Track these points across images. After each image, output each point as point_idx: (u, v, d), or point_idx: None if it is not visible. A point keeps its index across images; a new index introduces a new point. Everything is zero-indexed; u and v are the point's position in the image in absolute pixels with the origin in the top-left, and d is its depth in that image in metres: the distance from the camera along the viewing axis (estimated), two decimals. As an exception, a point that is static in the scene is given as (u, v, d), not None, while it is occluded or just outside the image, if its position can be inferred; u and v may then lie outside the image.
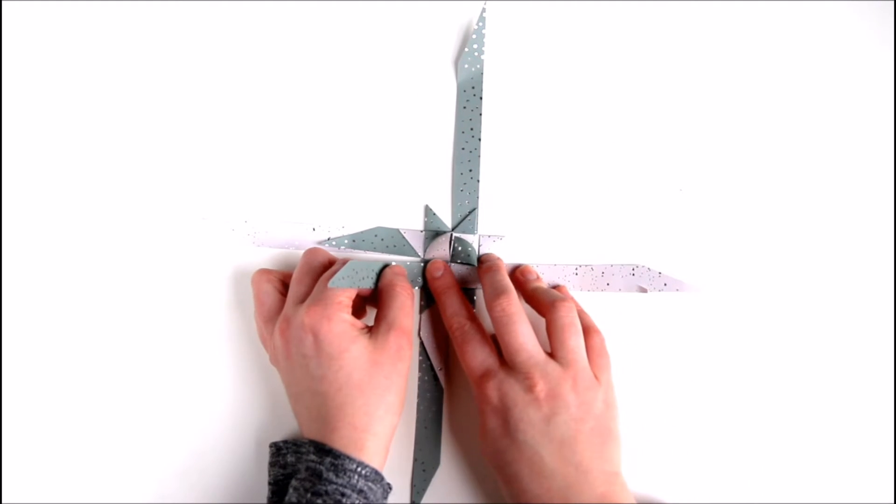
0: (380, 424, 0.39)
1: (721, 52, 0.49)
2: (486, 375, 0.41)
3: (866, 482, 0.46)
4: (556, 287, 0.47)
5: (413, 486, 0.45)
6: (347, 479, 0.37)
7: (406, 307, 0.42)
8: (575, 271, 0.47)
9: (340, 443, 0.38)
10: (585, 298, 0.47)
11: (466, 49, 0.47)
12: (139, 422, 0.45)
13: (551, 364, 0.40)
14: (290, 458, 0.40)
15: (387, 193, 0.47)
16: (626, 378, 0.45)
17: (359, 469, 0.38)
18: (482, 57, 0.48)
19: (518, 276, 0.46)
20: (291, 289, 0.42)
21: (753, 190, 0.48)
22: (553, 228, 0.47)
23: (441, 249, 0.46)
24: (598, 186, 0.48)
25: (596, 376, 0.41)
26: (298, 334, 0.40)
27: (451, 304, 0.44)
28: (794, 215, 0.48)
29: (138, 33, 0.47)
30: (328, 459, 0.38)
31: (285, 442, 0.41)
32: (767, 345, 0.47)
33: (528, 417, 0.39)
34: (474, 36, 0.47)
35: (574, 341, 0.41)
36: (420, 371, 0.46)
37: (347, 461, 0.38)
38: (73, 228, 0.46)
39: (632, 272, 0.47)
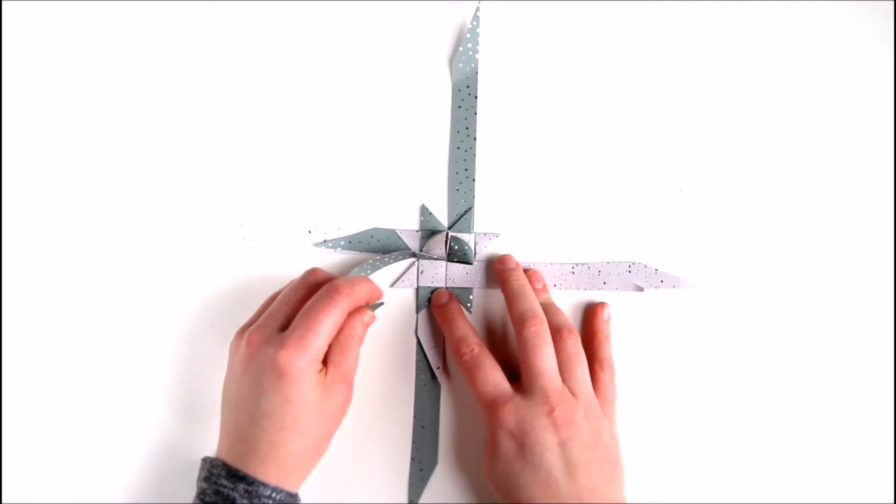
0: (307, 466, 0.40)
1: (720, 51, 0.48)
2: (499, 400, 0.41)
3: (866, 482, 0.45)
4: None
5: (410, 485, 0.45)
6: None
7: (357, 359, 0.41)
8: (571, 270, 0.46)
9: (265, 477, 0.38)
10: (582, 297, 0.46)
11: (461, 48, 0.47)
12: (138, 421, 0.46)
13: (566, 391, 0.41)
14: (201, 474, 0.39)
15: (383, 194, 0.47)
16: (623, 378, 0.45)
17: (273, 494, 0.38)
18: (477, 56, 0.48)
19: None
20: (276, 305, 0.41)
21: (753, 189, 0.47)
22: (549, 226, 0.47)
23: (437, 248, 0.46)
24: (593, 184, 0.47)
25: (601, 408, 0.42)
26: (265, 365, 0.38)
27: (458, 329, 0.44)
28: (794, 214, 0.47)
29: (133, 38, 0.48)
30: (241, 486, 0.37)
31: (204, 459, 0.40)
32: (766, 344, 0.46)
33: (546, 441, 0.39)
34: (468, 35, 0.47)
35: (581, 371, 0.42)
36: (417, 370, 0.46)
37: (262, 487, 0.38)
38: (69, 232, 0.47)
39: (628, 269, 0.46)
